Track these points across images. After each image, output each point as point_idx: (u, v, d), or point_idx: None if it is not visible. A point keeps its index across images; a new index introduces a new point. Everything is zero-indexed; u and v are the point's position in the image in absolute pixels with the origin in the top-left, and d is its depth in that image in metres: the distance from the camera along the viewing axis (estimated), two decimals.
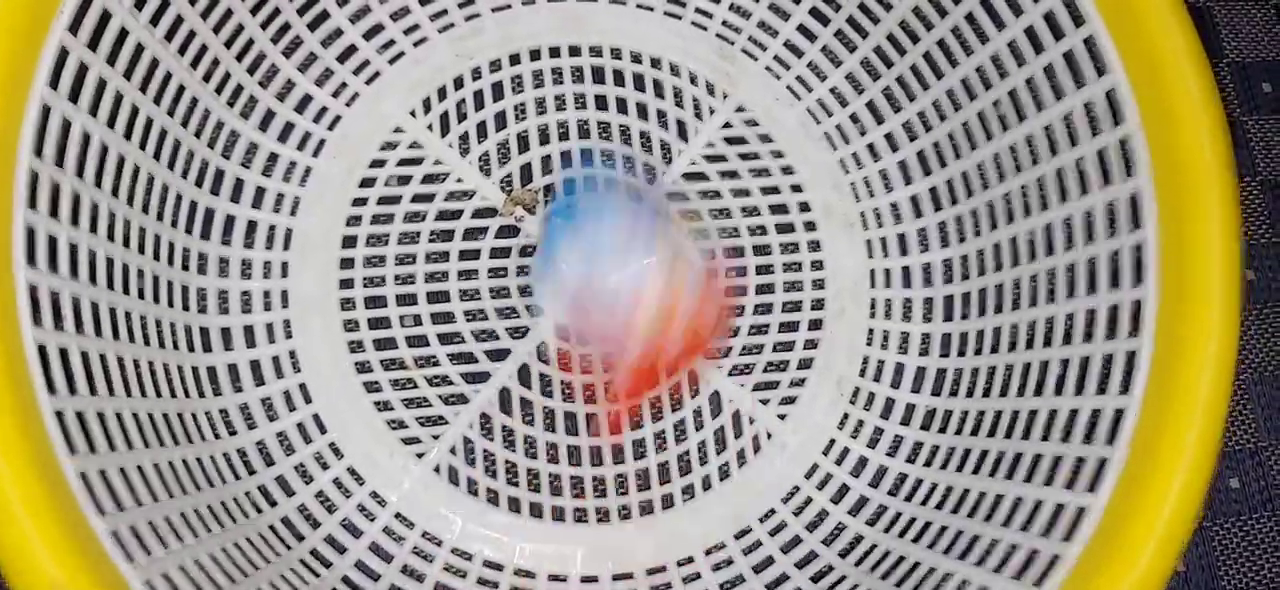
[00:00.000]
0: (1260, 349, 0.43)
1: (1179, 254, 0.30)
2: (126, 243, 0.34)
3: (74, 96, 0.31)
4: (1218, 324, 0.29)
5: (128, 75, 0.34)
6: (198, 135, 0.38)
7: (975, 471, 0.36)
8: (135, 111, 0.34)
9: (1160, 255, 0.31)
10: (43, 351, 0.28)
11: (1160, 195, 0.31)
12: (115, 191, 0.34)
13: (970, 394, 0.39)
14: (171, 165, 0.37)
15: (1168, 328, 0.30)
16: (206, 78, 0.38)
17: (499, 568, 0.38)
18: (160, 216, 0.36)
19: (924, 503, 0.37)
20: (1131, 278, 0.32)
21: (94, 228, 0.32)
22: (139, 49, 0.34)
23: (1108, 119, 0.33)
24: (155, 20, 0.34)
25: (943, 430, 0.39)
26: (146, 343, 0.35)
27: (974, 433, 0.37)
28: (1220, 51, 0.45)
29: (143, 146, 0.35)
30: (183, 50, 0.36)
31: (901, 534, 0.37)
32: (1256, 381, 0.42)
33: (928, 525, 0.36)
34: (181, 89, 0.37)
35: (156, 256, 0.36)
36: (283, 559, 0.35)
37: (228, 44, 0.38)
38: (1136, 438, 0.30)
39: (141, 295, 0.35)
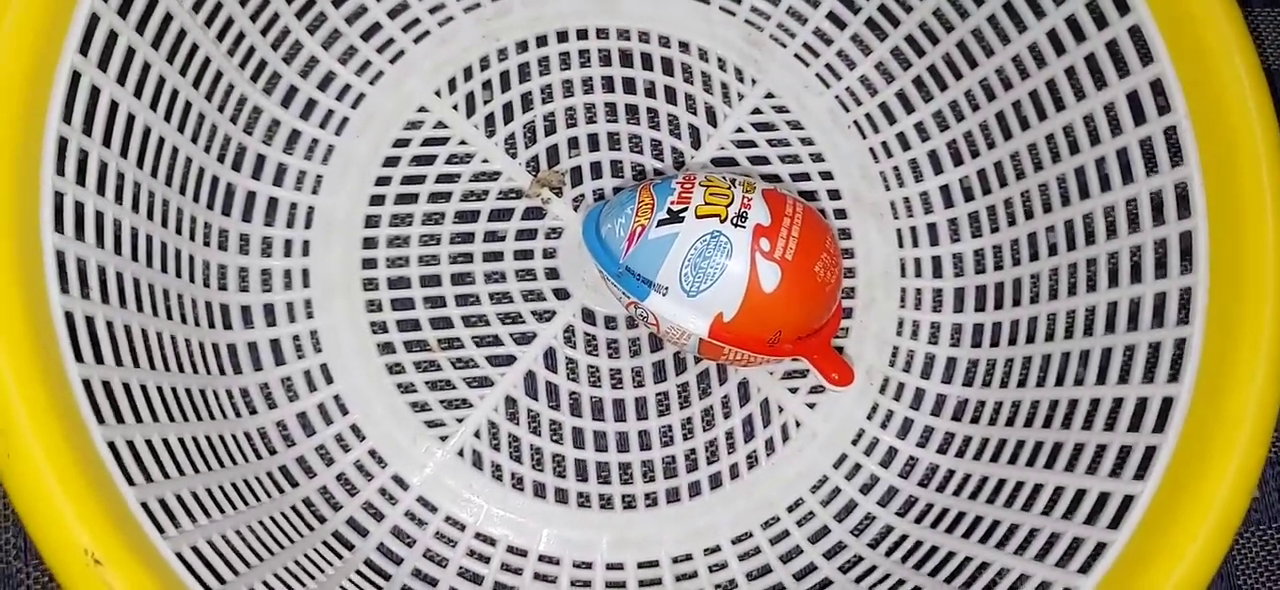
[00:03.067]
0: None
1: (1232, 241, 0.30)
2: (150, 214, 0.33)
3: (103, 64, 0.30)
4: (1274, 311, 0.29)
5: (155, 44, 0.33)
6: (221, 109, 0.37)
7: (1012, 461, 0.36)
8: (162, 81, 0.33)
9: (1212, 243, 0.30)
10: (70, 319, 0.28)
11: (1209, 183, 0.31)
12: (140, 162, 0.33)
13: (1004, 384, 0.38)
14: (195, 138, 0.36)
15: (1220, 315, 0.30)
16: (231, 51, 0.37)
17: (523, 554, 0.37)
18: (183, 190, 0.36)
19: (957, 493, 0.37)
20: (1180, 266, 0.32)
21: (119, 198, 0.32)
22: (167, 18, 0.33)
23: (1153, 108, 0.33)
24: None
25: (975, 420, 0.39)
26: (169, 317, 0.34)
27: (1009, 423, 0.37)
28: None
29: (167, 118, 0.34)
30: (210, 21, 0.35)
31: (934, 524, 0.37)
32: None
33: (961, 515, 0.36)
34: (207, 61, 0.36)
35: (179, 230, 0.35)
36: (306, 540, 0.34)
37: (253, 17, 0.37)
38: (1188, 425, 0.29)
39: (164, 268, 0.34)
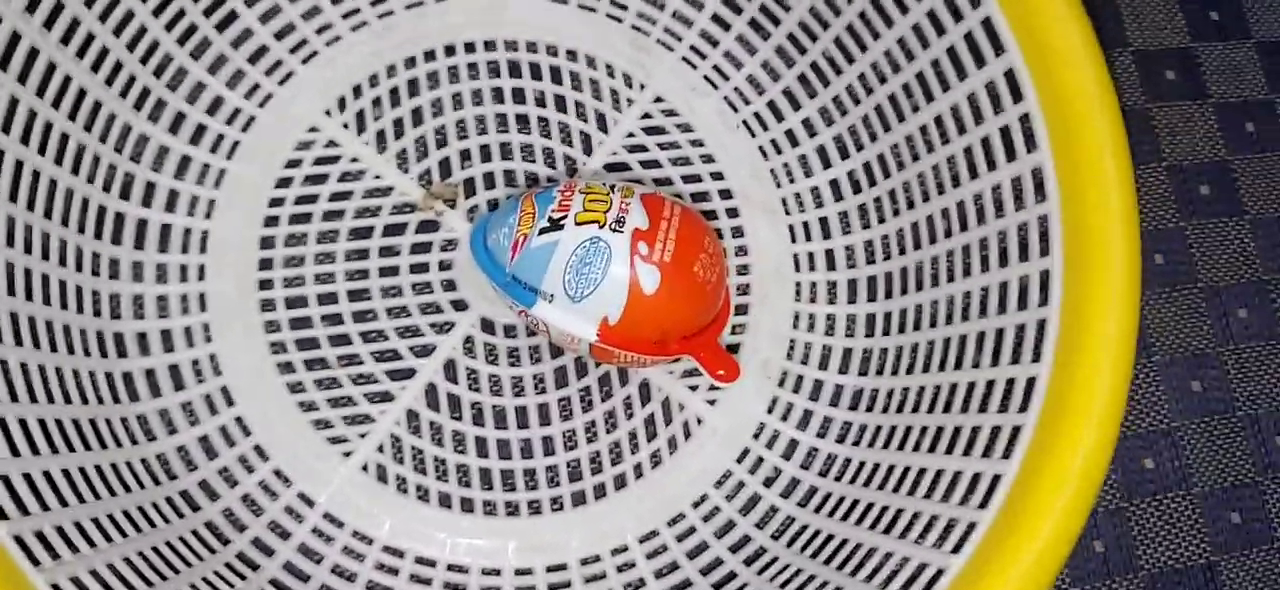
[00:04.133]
0: (1170, 332, 0.44)
1: (1081, 221, 0.31)
2: (28, 248, 0.33)
3: None
4: (1119, 288, 0.30)
5: (22, 79, 0.33)
6: (103, 140, 0.37)
7: (900, 447, 0.36)
8: (33, 115, 0.33)
9: (1064, 224, 0.31)
10: None
11: (1060, 166, 0.32)
12: (14, 197, 0.33)
13: (895, 372, 0.39)
14: (76, 170, 0.36)
15: (1073, 294, 0.31)
16: (109, 81, 0.37)
17: (431, 564, 0.37)
18: (66, 221, 0.36)
19: (852, 481, 0.38)
20: (1039, 249, 0.33)
21: None
22: (33, 52, 0.33)
23: (1008, 97, 0.34)
24: (49, 24, 0.34)
25: (869, 409, 0.39)
26: (54, 349, 0.34)
27: (899, 410, 0.38)
28: (1125, 40, 0.46)
29: (41, 151, 0.34)
30: (81, 54, 0.35)
31: (831, 513, 0.37)
32: (1168, 363, 0.43)
33: (856, 503, 0.37)
34: (83, 91, 0.36)
35: (63, 261, 0.35)
36: (207, 562, 0.34)
37: (130, 46, 0.37)
38: (1047, 402, 0.30)
39: (47, 300, 0.34)
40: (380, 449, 0.38)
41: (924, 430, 0.36)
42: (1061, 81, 0.31)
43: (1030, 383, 0.32)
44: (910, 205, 0.39)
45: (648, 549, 0.38)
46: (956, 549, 0.31)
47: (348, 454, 0.38)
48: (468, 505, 0.38)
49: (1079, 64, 0.31)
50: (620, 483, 0.39)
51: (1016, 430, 0.31)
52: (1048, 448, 0.30)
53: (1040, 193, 0.33)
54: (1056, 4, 0.31)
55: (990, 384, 0.34)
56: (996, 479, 0.31)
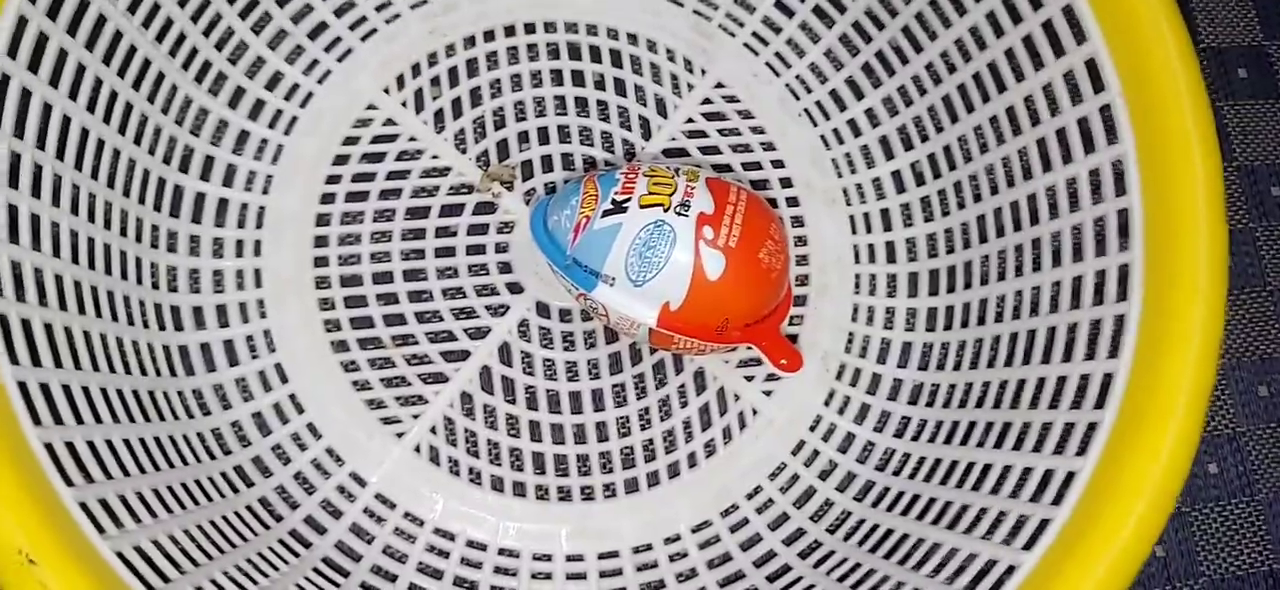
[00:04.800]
0: (1238, 334, 0.43)
1: (1165, 215, 0.30)
2: (92, 217, 0.33)
3: (34, 67, 0.30)
4: (1206, 283, 0.29)
5: (89, 47, 0.33)
6: (165, 111, 0.37)
7: (964, 443, 0.36)
8: (99, 84, 0.33)
9: (1146, 218, 0.31)
10: (4, 322, 0.28)
11: (1143, 159, 0.31)
12: (78, 165, 0.33)
13: (958, 367, 0.38)
14: (138, 141, 0.36)
15: (1155, 289, 0.30)
16: (173, 53, 0.37)
17: (482, 548, 0.37)
18: (127, 192, 0.35)
19: (912, 476, 0.37)
20: (1118, 243, 0.32)
21: (57, 201, 0.31)
22: (101, 20, 0.33)
23: (1088, 87, 0.33)
24: None
25: (930, 404, 0.39)
26: (115, 319, 0.34)
27: (961, 405, 0.37)
28: (1196, 37, 0.45)
29: (107, 120, 0.34)
30: (147, 23, 0.35)
31: (889, 507, 0.37)
32: (1234, 367, 0.43)
33: (916, 498, 0.36)
34: (148, 62, 0.36)
35: (124, 232, 0.35)
36: (261, 538, 0.34)
37: (194, 18, 0.37)
38: (1126, 399, 0.30)
39: (109, 271, 0.34)
40: (433, 430, 0.38)
41: (989, 426, 0.35)
42: (1148, 73, 0.30)
43: (1107, 379, 0.31)
44: (977, 198, 0.39)
45: (700, 539, 0.38)
46: (1028, 546, 0.30)
47: (400, 435, 0.38)
48: (520, 489, 0.38)
49: (1167, 55, 0.30)
50: (674, 471, 0.39)
51: (1092, 427, 0.30)
52: (1128, 445, 0.29)
53: (1120, 185, 0.32)
54: None
55: (1062, 379, 0.33)
56: (1071, 476, 0.30)
